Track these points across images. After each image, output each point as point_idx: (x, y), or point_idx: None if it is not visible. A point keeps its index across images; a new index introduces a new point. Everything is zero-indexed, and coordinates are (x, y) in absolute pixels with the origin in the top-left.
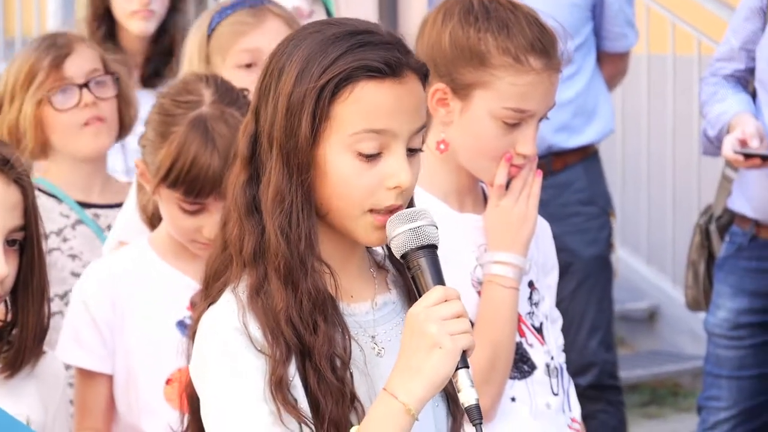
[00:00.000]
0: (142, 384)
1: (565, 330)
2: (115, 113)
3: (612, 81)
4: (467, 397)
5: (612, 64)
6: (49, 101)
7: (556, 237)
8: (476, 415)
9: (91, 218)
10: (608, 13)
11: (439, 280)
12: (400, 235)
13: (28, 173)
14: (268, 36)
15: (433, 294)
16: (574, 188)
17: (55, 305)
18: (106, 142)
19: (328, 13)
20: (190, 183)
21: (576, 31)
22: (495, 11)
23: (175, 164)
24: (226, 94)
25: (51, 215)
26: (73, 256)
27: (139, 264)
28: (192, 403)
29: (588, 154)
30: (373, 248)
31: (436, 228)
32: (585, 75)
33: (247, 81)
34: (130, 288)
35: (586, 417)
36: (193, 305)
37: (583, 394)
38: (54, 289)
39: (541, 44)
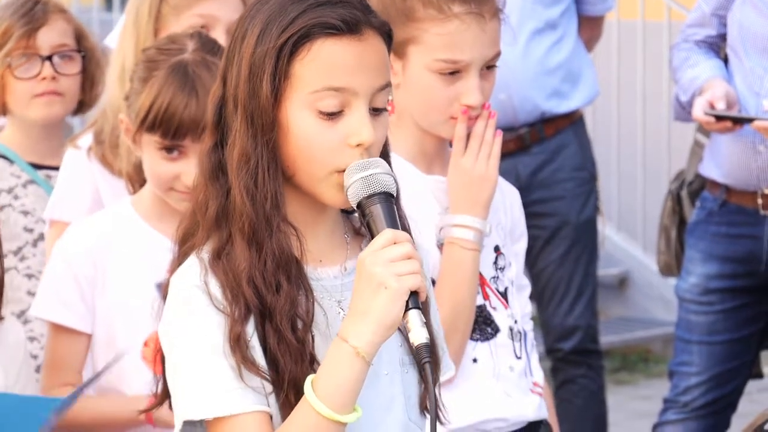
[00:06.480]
0: (120, 344)
1: (552, 294)
2: (75, 90)
3: (588, 45)
4: (417, 335)
5: (589, 28)
6: (11, 68)
7: (546, 202)
8: (424, 353)
9: (43, 179)
10: None
11: (393, 225)
12: (353, 184)
13: None
14: (225, 6)
15: (381, 237)
16: (567, 154)
17: (8, 261)
18: (58, 112)
19: None
20: (168, 122)
21: None
22: None
23: (154, 105)
24: (209, 44)
25: (2, 175)
26: (25, 212)
27: (122, 224)
28: (164, 363)
29: (575, 119)
30: (353, 214)
31: (392, 177)
32: (570, 40)
33: None
34: (112, 248)
35: (566, 381)
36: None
37: (565, 359)
38: (7, 246)
39: None
